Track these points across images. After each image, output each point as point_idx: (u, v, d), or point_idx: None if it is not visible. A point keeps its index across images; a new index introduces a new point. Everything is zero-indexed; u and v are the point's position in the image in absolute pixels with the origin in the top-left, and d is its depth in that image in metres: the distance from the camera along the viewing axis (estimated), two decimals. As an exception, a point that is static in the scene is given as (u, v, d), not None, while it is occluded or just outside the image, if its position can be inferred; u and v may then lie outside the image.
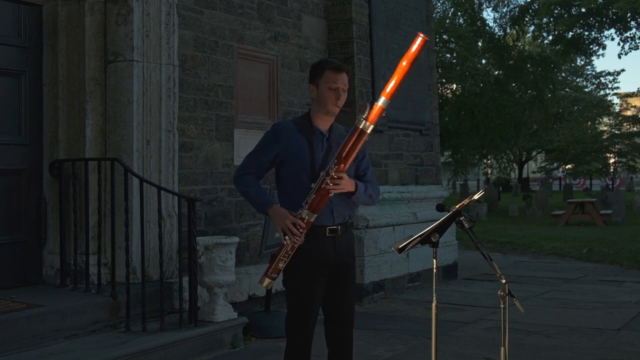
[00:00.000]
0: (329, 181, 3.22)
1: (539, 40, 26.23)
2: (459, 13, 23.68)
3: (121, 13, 5.63)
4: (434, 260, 3.14)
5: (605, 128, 38.10)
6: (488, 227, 16.36)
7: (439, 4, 23.80)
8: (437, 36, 21.76)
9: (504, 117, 23.13)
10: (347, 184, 3.28)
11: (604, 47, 25.36)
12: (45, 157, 5.68)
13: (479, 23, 23.42)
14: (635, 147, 33.20)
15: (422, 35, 3.14)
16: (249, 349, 5.52)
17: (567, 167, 39.15)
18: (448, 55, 23.39)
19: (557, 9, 22.66)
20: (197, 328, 5.26)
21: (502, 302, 3.12)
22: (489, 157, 30.56)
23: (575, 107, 35.55)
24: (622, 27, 23.07)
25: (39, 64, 5.68)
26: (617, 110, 41.17)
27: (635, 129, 34.56)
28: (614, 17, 22.56)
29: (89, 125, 5.59)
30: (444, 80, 23.01)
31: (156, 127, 5.72)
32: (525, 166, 42.50)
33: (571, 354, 5.35)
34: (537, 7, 23.20)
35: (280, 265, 3.29)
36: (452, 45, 23.11)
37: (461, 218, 3.18)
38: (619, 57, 24.63)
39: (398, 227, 7.97)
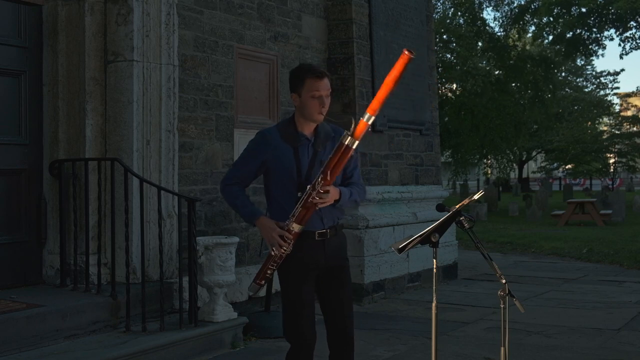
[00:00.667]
0: (315, 195, 3.21)
1: (540, 41, 26.22)
2: (459, 13, 23.68)
3: (121, 13, 5.63)
4: (434, 260, 3.14)
5: (605, 128, 38.12)
6: (488, 227, 16.35)
7: (439, 4, 23.80)
8: (438, 36, 21.77)
9: (504, 117, 23.14)
10: (333, 195, 3.28)
11: (604, 47, 25.39)
12: (45, 157, 5.68)
13: (479, 23, 23.41)
14: (635, 147, 33.20)
15: (407, 51, 3.09)
16: (249, 349, 5.51)
17: (567, 167, 39.13)
18: (448, 55, 23.39)
19: (557, 9, 22.67)
20: (197, 328, 5.26)
21: (502, 302, 3.12)
22: (489, 157, 30.55)
23: (575, 107, 35.51)
24: (622, 27, 23.08)
25: (39, 64, 5.68)
26: (617, 110, 41.20)
27: (635, 129, 34.60)
28: (614, 17, 22.56)
29: (89, 125, 5.59)
30: (444, 80, 23.01)
31: (156, 127, 5.72)
32: (525, 166, 42.48)
33: (571, 354, 5.35)
34: (537, 6, 23.20)
35: (268, 272, 3.32)
36: (453, 45, 23.12)
37: (461, 218, 3.18)
38: (621, 58, 24.70)
39: (398, 227, 7.97)
